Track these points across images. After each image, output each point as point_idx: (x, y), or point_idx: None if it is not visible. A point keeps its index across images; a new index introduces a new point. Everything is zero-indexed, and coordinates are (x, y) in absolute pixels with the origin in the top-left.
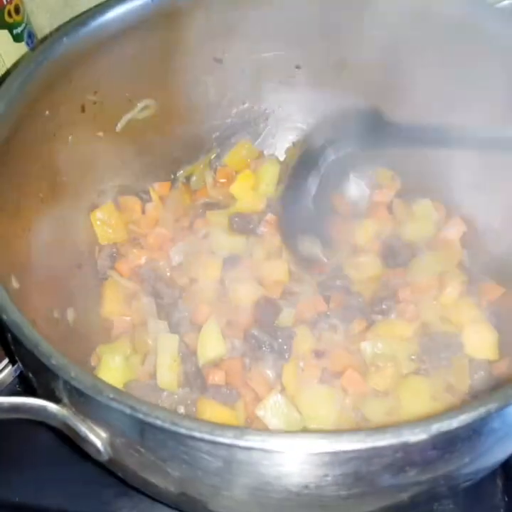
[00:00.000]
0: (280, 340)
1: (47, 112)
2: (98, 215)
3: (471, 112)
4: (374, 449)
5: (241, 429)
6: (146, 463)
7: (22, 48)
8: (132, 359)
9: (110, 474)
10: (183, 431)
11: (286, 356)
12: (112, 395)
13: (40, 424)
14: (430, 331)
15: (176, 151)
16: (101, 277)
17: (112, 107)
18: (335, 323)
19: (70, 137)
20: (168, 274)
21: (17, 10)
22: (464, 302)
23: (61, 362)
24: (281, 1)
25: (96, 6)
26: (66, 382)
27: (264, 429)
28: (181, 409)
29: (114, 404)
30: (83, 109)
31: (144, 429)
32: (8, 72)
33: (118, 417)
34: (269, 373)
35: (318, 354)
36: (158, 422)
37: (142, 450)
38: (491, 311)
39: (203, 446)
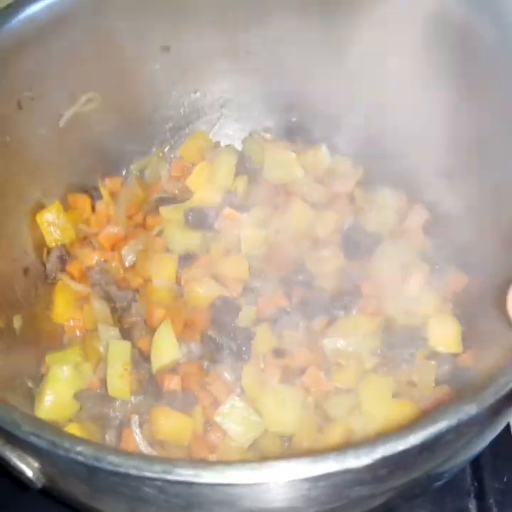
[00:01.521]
0: (239, 341)
1: None
2: (45, 216)
3: None
4: (316, 477)
5: (170, 463)
6: (83, 492)
7: None
8: (83, 367)
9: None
10: (109, 467)
11: (246, 357)
12: (30, 430)
13: None
14: (393, 325)
15: (127, 144)
16: (50, 281)
17: (53, 102)
18: (296, 321)
19: (7, 137)
20: (121, 275)
21: None
22: (427, 293)
23: None
24: None
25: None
26: None
27: (198, 461)
28: (135, 419)
29: (34, 440)
30: (20, 106)
31: (70, 463)
32: None
33: (43, 450)
34: (228, 376)
35: (279, 353)
36: (80, 458)
37: (75, 481)
38: (455, 303)
39: (133, 481)
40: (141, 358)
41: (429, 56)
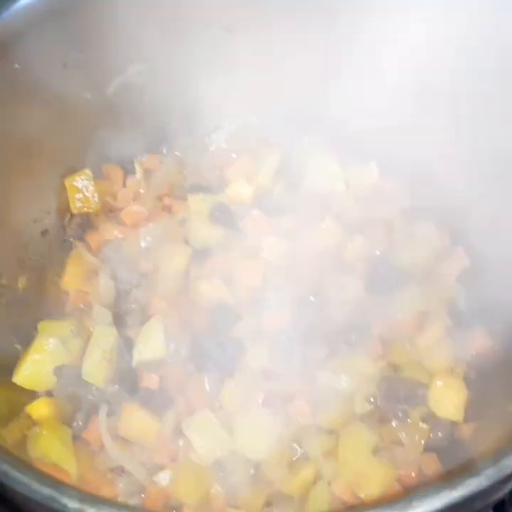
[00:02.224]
0: (229, 352)
1: (16, 66)
2: (75, 181)
3: None
4: None
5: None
6: None
7: None
8: (71, 342)
9: None
10: None
11: (231, 371)
12: None
13: None
14: (395, 374)
15: (174, 122)
16: (66, 247)
17: (102, 68)
18: (294, 344)
19: (48, 95)
20: (134, 255)
21: None
22: (440, 349)
23: None
24: None
25: None
26: None
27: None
28: (104, 408)
29: None
30: (65, 66)
31: None
32: None
33: None
34: (209, 387)
35: (268, 375)
36: None
37: None
38: (471, 365)
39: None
40: (126, 347)
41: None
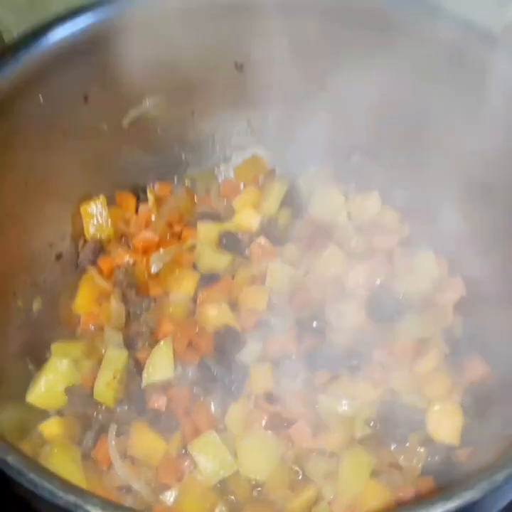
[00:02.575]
0: (234, 376)
1: (41, 98)
2: (89, 208)
3: None
4: None
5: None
6: None
7: None
8: (82, 363)
9: None
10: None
11: (236, 394)
12: None
13: None
14: (395, 400)
15: (185, 153)
16: (79, 271)
17: (119, 101)
18: (298, 369)
19: (67, 125)
20: (145, 280)
21: None
22: (438, 376)
23: None
24: None
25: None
26: None
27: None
28: (114, 428)
29: None
30: (86, 99)
31: None
32: None
33: None
34: (215, 409)
35: (271, 399)
36: None
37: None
38: (469, 391)
39: None
40: (136, 369)
41: None
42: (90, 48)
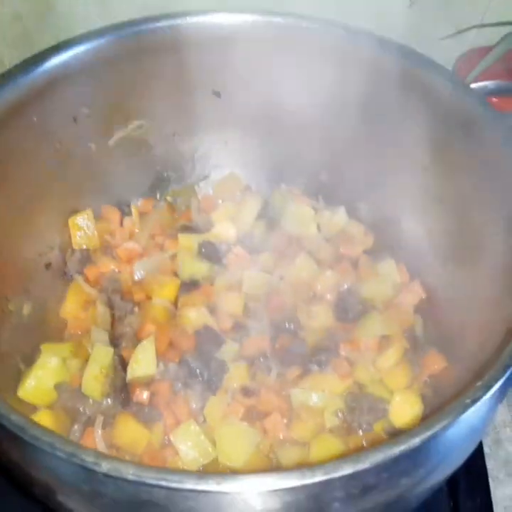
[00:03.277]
0: (212, 372)
1: (34, 119)
2: (77, 220)
3: None
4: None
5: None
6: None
7: None
8: (70, 362)
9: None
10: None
11: (214, 388)
12: None
13: None
14: (360, 391)
15: (167, 172)
16: (67, 279)
17: (106, 122)
18: (271, 366)
19: (58, 144)
20: (129, 287)
21: None
22: (399, 369)
23: None
24: None
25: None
26: None
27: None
28: (100, 419)
29: None
30: (75, 120)
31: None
32: None
33: None
34: (194, 402)
35: (248, 392)
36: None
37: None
38: (428, 384)
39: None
40: (121, 365)
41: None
42: (80, 75)
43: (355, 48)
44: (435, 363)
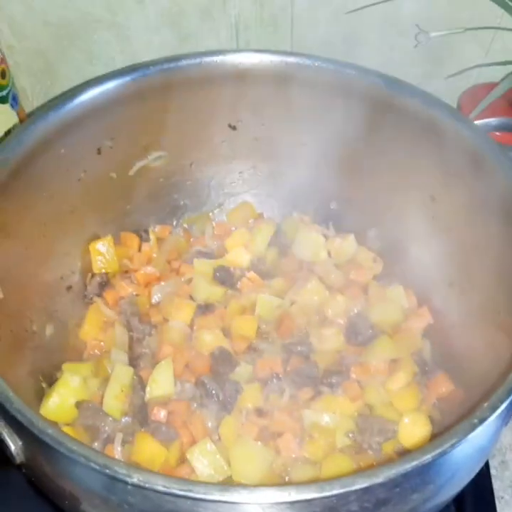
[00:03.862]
0: (227, 392)
1: (62, 151)
2: (97, 246)
3: None
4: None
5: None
6: (49, 474)
7: (7, 109)
8: (90, 382)
9: None
10: (66, 452)
11: (229, 408)
12: (18, 408)
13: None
14: (370, 413)
15: (184, 200)
16: (86, 302)
17: (127, 154)
18: (284, 387)
19: (82, 174)
20: (146, 309)
21: (3, 74)
22: (408, 392)
23: None
24: None
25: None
26: None
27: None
28: (120, 436)
29: (19, 416)
30: (99, 152)
31: (41, 444)
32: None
33: (24, 428)
34: (210, 421)
35: (261, 413)
36: (47, 440)
37: (45, 463)
38: (436, 406)
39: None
40: (140, 385)
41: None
42: (106, 110)
43: (364, 86)
44: (443, 385)
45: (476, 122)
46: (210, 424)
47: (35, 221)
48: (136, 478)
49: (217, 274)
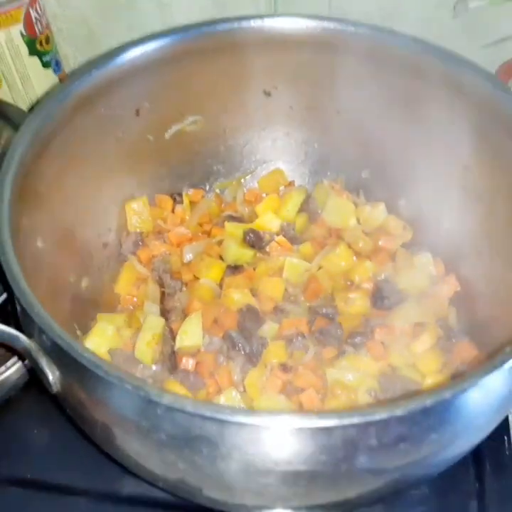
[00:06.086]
0: (254, 347)
1: (102, 110)
2: (133, 205)
3: None
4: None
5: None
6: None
7: (49, 74)
8: (123, 331)
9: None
10: (103, 375)
11: (255, 362)
12: (57, 334)
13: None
14: (393, 373)
15: (217, 165)
16: (121, 259)
17: (164, 116)
18: (308, 345)
19: (120, 134)
20: (178, 268)
21: (47, 40)
22: (432, 355)
23: (36, 310)
24: None
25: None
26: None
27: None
28: (150, 382)
29: (58, 341)
30: (137, 113)
31: (80, 368)
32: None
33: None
34: (236, 373)
35: (286, 369)
36: (85, 363)
37: (81, 390)
38: (459, 369)
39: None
40: (170, 335)
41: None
42: (144, 72)
43: (400, 52)
44: (466, 350)
45: None
46: (235, 377)
47: (75, 177)
48: (166, 400)
49: (247, 236)
